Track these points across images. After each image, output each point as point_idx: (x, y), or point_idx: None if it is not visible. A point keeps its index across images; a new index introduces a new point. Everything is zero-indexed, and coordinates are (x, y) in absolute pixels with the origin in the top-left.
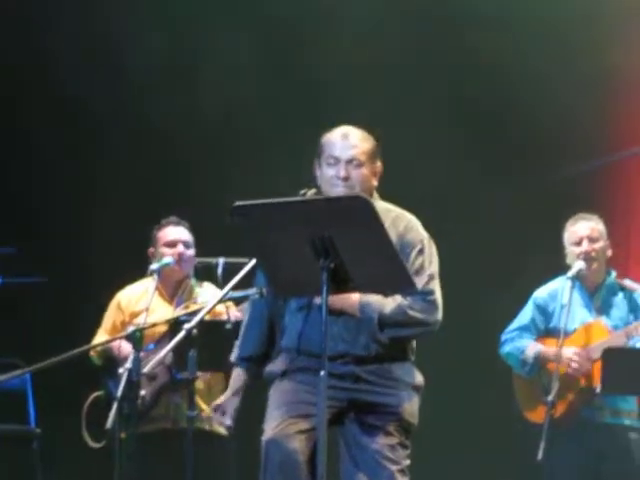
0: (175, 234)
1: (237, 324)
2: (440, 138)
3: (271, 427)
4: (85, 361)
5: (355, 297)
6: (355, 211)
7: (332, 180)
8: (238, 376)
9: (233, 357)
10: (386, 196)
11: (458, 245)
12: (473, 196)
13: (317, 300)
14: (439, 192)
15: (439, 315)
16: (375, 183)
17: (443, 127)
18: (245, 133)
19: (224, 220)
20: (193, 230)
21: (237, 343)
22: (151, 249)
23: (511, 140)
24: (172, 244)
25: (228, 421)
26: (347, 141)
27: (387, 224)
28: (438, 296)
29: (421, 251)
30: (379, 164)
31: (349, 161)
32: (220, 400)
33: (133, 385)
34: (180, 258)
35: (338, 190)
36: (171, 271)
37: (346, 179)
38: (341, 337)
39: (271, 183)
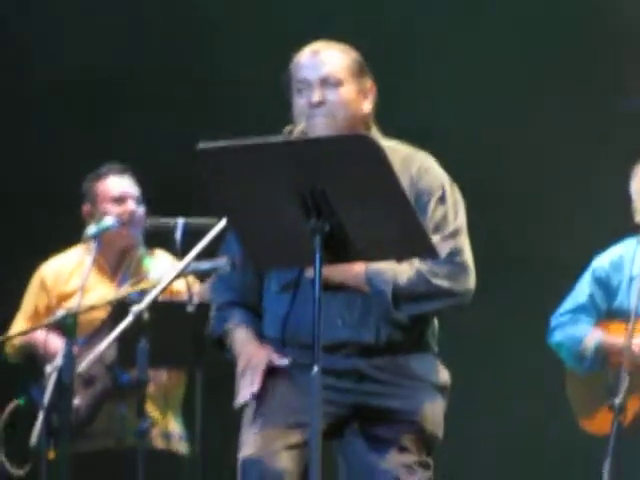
0: (121, 186)
1: (201, 307)
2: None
3: (250, 442)
4: None
5: (359, 266)
6: (356, 155)
7: (304, 110)
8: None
9: (213, 327)
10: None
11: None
12: None
13: (308, 273)
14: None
15: (470, 281)
16: (367, 107)
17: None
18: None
19: (183, 168)
20: (138, 181)
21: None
22: (86, 206)
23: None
24: (119, 200)
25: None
26: (317, 58)
27: (395, 168)
28: (468, 256)
29: (442, 199)
30: (369, 83)
31: (322, 81)
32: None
33: (64, 390)
34: (131, 218)
35: (315, 121)
36: (114, 237)
37: (320, 104)
38: (342, 320)
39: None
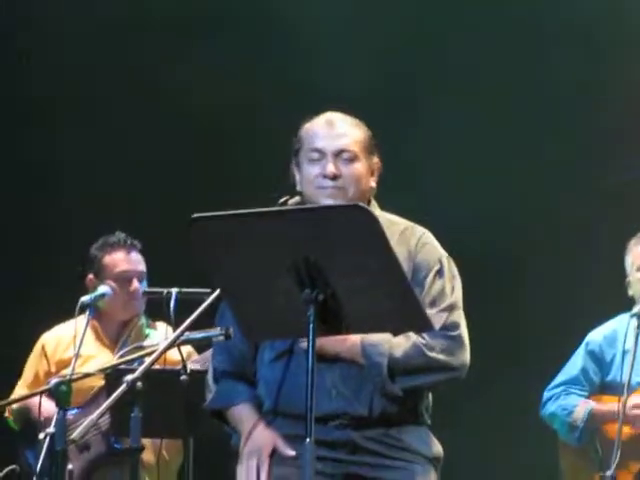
0: (129, 264)
1: (195, 375)
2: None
3: None
4: None
5: (354, 337)
6: (351, 225)
7: (317, 180)
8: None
9: (214, 399)
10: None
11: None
12: None
13: (301, 344)
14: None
15: (466, 355)
16: (373, 185)
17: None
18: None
19: (178, 238)
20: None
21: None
22: (90, 276)
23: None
24: (126, 278)
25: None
26: (333, 129)
27: (393, 241)
28: (463, 331)
29: (439, 273)
30: (377, 160)
31: (338, 153)
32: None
33: (57, 456)
34: (132, 297)
35: (326, 192)
36: (115, 309)
37: (335, 177)
38: (336, 391)
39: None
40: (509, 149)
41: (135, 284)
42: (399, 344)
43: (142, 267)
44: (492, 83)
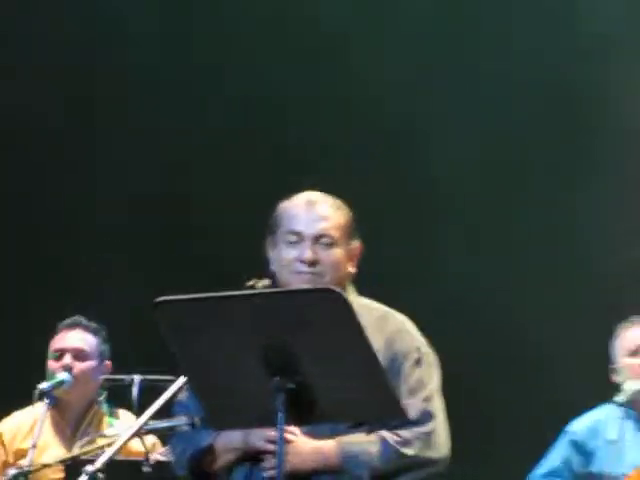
0: (62, 341)
1: (159, 466)
2: None
3: None
4: None
5: (329, 448)
6: (323, 310)
7: (293, 265)
8: None
9: (179, 458)
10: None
11: None
12: None
13: (267, 473)
14: None
15: (446, 447)
16: (351, 270)
17: None
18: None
19: (142, 321)
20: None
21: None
22: (49, 362)
23: None
24: (58, 355)
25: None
26: (313, 211)
27: (369, 328)
28: (441, 421)
29: (418, 362)
30: (357, 244)
31: (317, 238)
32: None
33: None
34: (76, 377)
35: (303, 278)
36: (69, 395)
37: (313, 263)
38: None
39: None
40: None
41: (66, 359)
42: (377, 450)
43: (82, 345)
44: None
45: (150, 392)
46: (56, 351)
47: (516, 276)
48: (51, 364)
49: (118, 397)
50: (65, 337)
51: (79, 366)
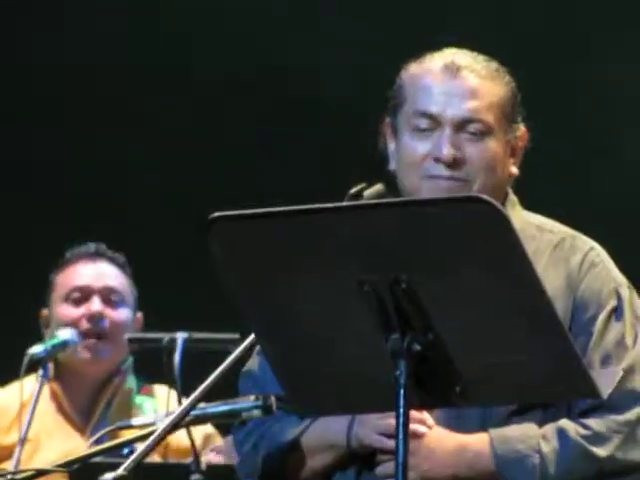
0: (86, 276)
1: (215, 472)
2: None
3: None
4: None
5: (478, 444)
6: (470, 232)
7: (424, 164)
8: None
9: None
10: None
11: None
12: None
13: (381, 469)
14: None
15: None
16: (514, 170)
17: None
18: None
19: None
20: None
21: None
22: (45, 311)
23: None
24: (79, 297)
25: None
26: (457, 80)
27: (541, 259)
28: None
29: (616, 312)
30: (521, 131)
31: (461, 124)
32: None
33: None
34: (95, 327)
35: (438, 184)
36: (81, 363)
37: (456, 163)
38: None
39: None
40: None
41: (96, 304)
42: (552, 449)
43: (113, 282)
44: None
45: (200, 359)
46: (75, 290)
47: None
48: (64, 312)
49: (152, 367)
50: (88, 271)
51: (113, 315)
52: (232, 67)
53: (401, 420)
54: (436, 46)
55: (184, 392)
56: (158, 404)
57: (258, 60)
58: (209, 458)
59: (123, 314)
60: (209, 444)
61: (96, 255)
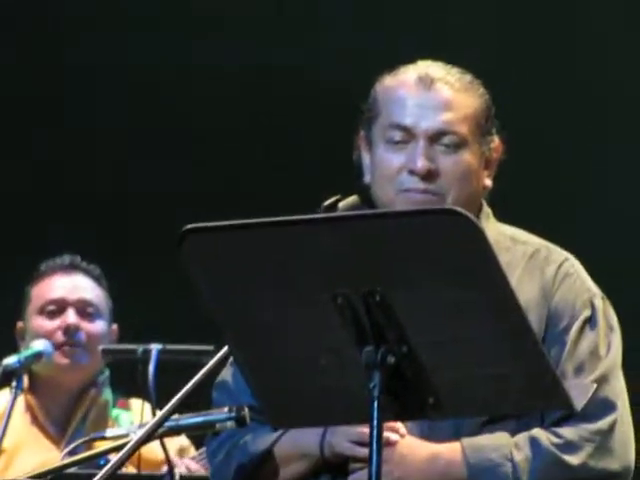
0: (61, 288)
1: None
2: None
3: None
4: None
5: (452, 453)
6: (444, 244)
7: (398, 176)
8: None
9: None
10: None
11: None
12: None
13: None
14: None
15: (630, 451)
16: (488, 183)
17: None
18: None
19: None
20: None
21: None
22: (20, 324)
23: None
24: (54, 310)
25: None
26: (431, 93)
27: (515, 271)
28: (623, 412)
29: (590, 323)
30: (496, 143)
31: (435, 136)
32: None
33: None
34: (71, 339)
35: (412, 197)
36: (57, 373)
37: (429, 175)
38: None
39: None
40: None
41: (71, 317)
42: (524, 458)
43: (88, 295)
44: None
45: (174, 370)
46: (50, 303)
47: None
48: (40, 323)
49: (127, 379)
50: (63, 284)
51: (89, 327)
52: (232, 67)
53: (375, 432)
54: (436, 48)
55: (158, 404)
56: (134, 417)
57: (258, 60)
58: (186, 462)
59: (99, 326)
60: (183, 456)
61: (71, 268)
